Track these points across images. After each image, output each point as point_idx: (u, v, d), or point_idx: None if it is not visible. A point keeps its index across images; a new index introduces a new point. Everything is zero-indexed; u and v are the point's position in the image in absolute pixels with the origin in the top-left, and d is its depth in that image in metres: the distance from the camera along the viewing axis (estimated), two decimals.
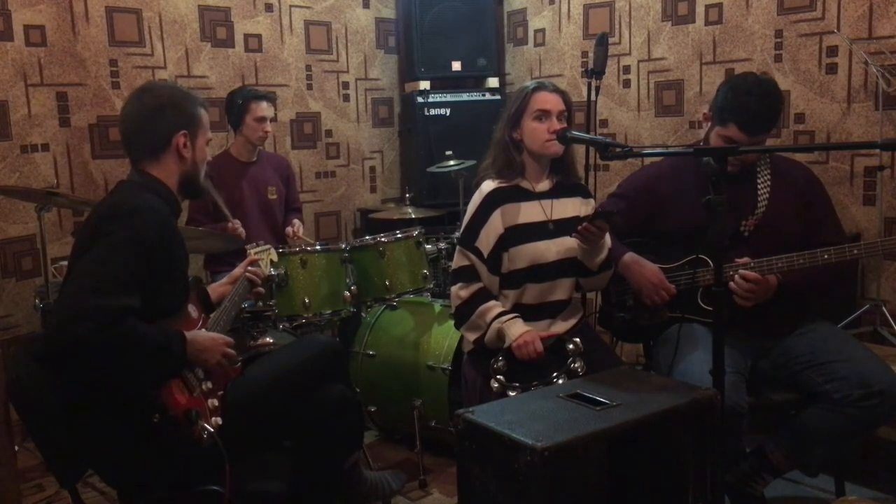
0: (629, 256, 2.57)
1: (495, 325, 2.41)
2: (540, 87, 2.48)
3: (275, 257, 2.68)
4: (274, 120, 3.66)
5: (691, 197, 2.42)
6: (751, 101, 2.36)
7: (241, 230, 3.36)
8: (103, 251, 1.82)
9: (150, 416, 1.81)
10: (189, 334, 1.92)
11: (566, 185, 2.58)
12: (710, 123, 2.50)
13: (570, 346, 2.36)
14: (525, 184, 2.53)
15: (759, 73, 2.52)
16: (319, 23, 4.44)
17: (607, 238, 2.47)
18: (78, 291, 1.77)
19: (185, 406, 1.86)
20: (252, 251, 2.54)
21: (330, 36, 4.50)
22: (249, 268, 2.42)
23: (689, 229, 2.50)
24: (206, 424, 1.88)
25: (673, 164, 2.62)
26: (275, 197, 3.66)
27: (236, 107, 3.52)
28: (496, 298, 2.48)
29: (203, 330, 2.07)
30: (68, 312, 1.73)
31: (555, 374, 2.33)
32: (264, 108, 3.52)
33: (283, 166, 3.83)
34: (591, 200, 2.61)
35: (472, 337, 2.48)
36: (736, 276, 2.37)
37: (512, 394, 2.29)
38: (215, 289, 2.37)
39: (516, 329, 2.39)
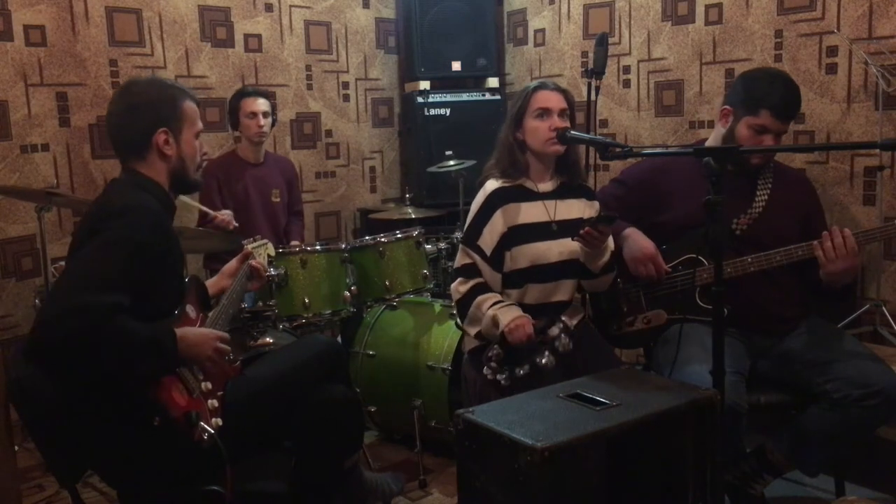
0: (631, 230, 2.58)
1: (489, 312, 2.40)
2: (541, 87, 2.49)
3: (272, 251, 2.68)
4: (275, 120, 3.67)
5: (690, 194, 2.43)
6: (780, 88, 2.41)
7: (231, 220, 3.33)
8: (93, 250, 1.81)
9: (150, 418, 1.81)
10: (180, 331, 1.90)
11: (570, 187, 2.58)
12: (730, 119, 2.50)
13: (560, 325, 2.39)
14: (529, 184, 2.53)
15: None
16: (319, 23, 4.44)
17: (610, 241, 2.48)
18: (65, 290, 1.75)
19: (185, 408, 1.86)
20: (249, 246, 2.55)
21: (330, 36, 4.50)
22: (250, 262, 2.43)
23: (684, 225, 2.51)
24: (206, 426, 1.88)
25: (676, 160, 2.63)
26: (278, 200, 3.67)
27: (231, 106, 3.55)
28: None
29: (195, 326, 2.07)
30: (54, 311, 1.71)
31: (539, 359, 2.34)
32: (252, 104, 3.53)
33: (288, 169, 3.84)
34: (596, 202, 2.61)
35: (473, 331, 2.48)
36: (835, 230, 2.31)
37: (500, 377, 2.32)
38: (213, 284, 2.36)
39: (509, 314, 2.38)
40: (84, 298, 1.70)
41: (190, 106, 2.07)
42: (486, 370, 2.33)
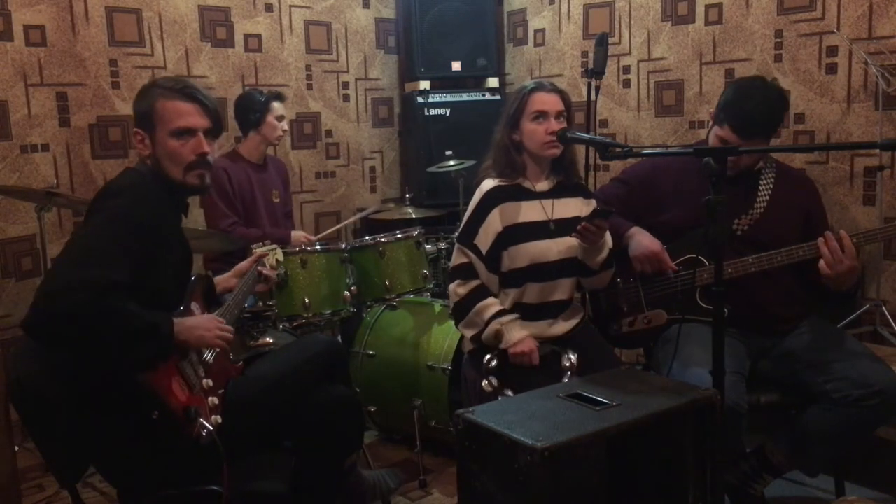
0: (635, 228, 2.57)
1: (494, 325, 2.41)
2: (538, 88, 2.48)
3: (280, 257, 2.68)
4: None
5: (691, 194, 2.43)
6: (749, 105, 2.37)
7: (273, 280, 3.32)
8: (92, 227, 1.85)
9: (149, 412, 1.81)
10: (177, 318, 1.91)
11: (567, 186, 2.58)
12: (711, 125, 2.51)
13: (566, 364, 2.37)
14: (526, 183, 2.53)
15: (768, 80, 2.54)
16: (319, 23, 4.44)
17: (608, 237, 2.48)
18: (64, 265, 1.78)
19: (185, 403, 1.86)
20: (258, 250, 2.55)
21: (330, 36, 4.50)
22: (259, 267, 2.43)
23: (685, 225, 2.51)
24: (205, 422, 1.88)
25: (678, 159, 2.63)
26: (278, 200, 3.67)
27: (257, 106, 3.52)
28: (494, 296, 2.48)
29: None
30: (53, 286, 1.73)
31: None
32: (282, 108, 3.59)
33: (283, 169, 3.84)
34: (593, 201, 2.61)
35: (469, 334, 2.48)
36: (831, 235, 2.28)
37: (501, 392, 2.31)
38: (220, 282, 2.37)
39: (515, 334, 2.40)
40: (82, 273, 1.72)
41: (165, 105, 2.02)
42: (485, 384, 2.33)
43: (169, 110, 2.02)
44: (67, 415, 1.87)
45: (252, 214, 3.50)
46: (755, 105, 2.37)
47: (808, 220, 2.52)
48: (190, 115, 2.03)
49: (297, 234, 3.55)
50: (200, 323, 1.97)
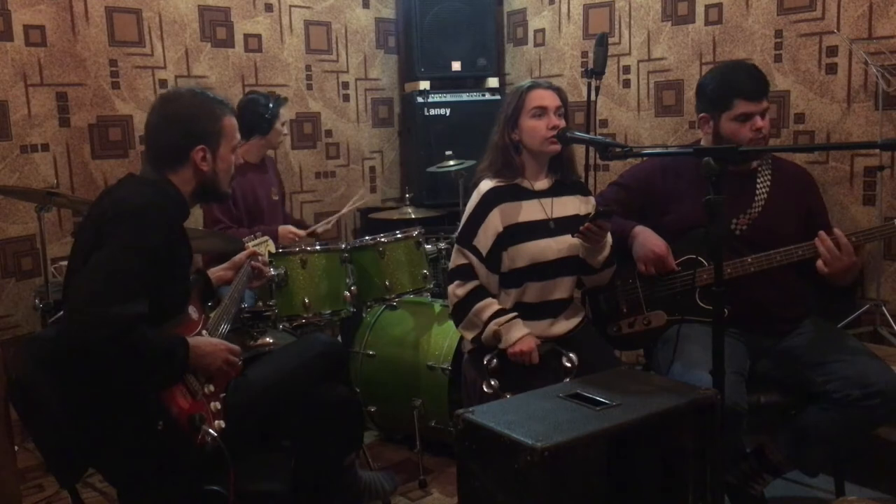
0: (640, 227, 2.56)
1: (492, 326, 2.41)
2: (534, 86, 2.49)
3: (272, 248, 2.68)
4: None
5: (690, 194, 2.43)
6: (740, 73, 2.44)
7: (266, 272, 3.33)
8: (112, 254, 1.81)
9: (154, 423, 1.81)
10: (192, 340, 1.92)
11: (565, 184, 2.58)
12: (710, 122, 2.50)
13: (567, 364, 2.37)
14: (524, 183, 2.53)
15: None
16: (319, 23, 4.44)
17: (608, 236, 2.48)
18: (91, 297, 1.75)
19: (189, 411, 1.86)
20: (250, 244, 2.55)
21: (330, 36, 4.50)
22: (253, 262, 2.43)
23: (685, 226, 2.51)
24: (209, 429, 1.88)
25: (676, 161, 2.63)
26: (276, 198, 3.67)
27: (267, 112, 3.52)
28: (494, 296, 2.48)
29: (205, 333, 2.07)
30: (82, 319, 1.73)
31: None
32: (287, 112, 3.64)
33: (274, 165, 3.86)
34: (591, 198, 2.61)
35: (469, 335, 2.48)
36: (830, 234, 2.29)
37: (503, 394, 2.29)
38: (214, 272, 2.36)
39: (514, 333, 2.40)
40: (111, 309, 1.73)
41: (230, 121, 2.07)
42: (485, 387, 2.33)
43: (231, 129, 2.07)
44: (68, 416, 1.87)
45: (256, 216, 3.50)
46: (745, 71, 2.47)
47: (808, 215, 2.51)
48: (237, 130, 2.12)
49: (284, 230, 3.52)
50: (211, 350, 1.97)
